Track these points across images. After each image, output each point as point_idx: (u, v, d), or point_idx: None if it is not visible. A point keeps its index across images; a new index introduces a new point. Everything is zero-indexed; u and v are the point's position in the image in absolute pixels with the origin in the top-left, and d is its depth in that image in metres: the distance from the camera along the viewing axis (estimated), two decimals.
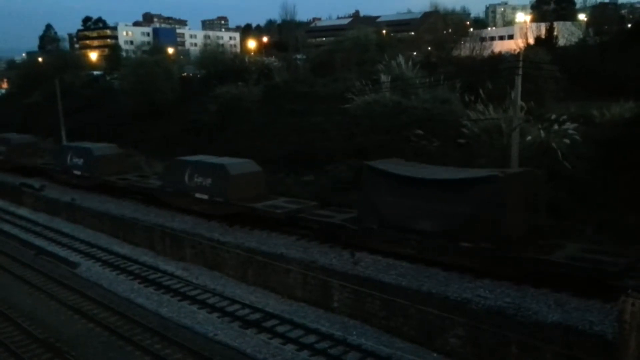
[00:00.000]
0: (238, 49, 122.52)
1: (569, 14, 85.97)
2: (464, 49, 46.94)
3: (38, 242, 30.65)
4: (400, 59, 37.71)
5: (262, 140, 36.57)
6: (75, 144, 40.83)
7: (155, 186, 31.55)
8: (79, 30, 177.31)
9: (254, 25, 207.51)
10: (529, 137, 23.76)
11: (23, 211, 37.98)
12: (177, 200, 29.60)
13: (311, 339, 18.32)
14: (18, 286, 23.61)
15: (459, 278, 18.88)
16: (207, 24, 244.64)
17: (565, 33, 49.42)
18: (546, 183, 21.14)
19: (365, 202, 21.78)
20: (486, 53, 45.68)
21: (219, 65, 56.04)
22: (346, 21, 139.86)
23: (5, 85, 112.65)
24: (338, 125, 33.81)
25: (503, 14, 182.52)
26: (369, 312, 19.19)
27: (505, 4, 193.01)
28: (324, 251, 22.40)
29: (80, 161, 37.31)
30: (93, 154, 36.38)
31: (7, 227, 33.94)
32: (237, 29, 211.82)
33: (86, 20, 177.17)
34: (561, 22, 57.80)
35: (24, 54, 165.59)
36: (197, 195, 28.18)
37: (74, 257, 27.80)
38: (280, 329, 19.07)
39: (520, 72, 21.42)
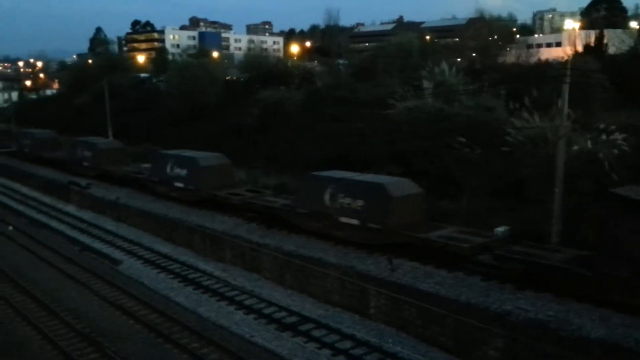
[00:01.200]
0: (281, 54, 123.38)
1: (619, 22, 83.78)
2: (510, 56, 46.22)
3: (83, 238, 31.46)
4: (444, 65, 37.36)
5: (303, 144, 36.72)
6: (176, 152, 35.74)
7: (280, 205, 27.27)
8: (127, 34, 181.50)
9: (297, 30, 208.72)
10: (576, 147, 23.18)
11: (70, 208, 39.05)
12: (313, 223, 25.19)
13: (347, 344, 18.26)
14: (63, 281, 24.26)
15: (499, 289, 18.54)
16: (251, 29, 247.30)
17: (616, 41, 48.09)
18: (591, 195, 20.61)
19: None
20: (532, 60, 44.85)
21: (262, 69, 56.62)
22: (389, 27, 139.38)
23: (56, 86, 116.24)
24: (378, 131, 33.69)
25: (551, 21, 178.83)
26: (406, 320, 19.02)
27: (554, 10, 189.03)
28: (362, 257, 22.33)
29: (183, 172, 32.86)
30: (199, 165, 31.68)
31: (54, 224, 34.95)
32: (280, 33, 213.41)
33: (135, 23, 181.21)
34: (611, 30, 56.34)
35: (74, 56, 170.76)
36: (343, 219, 23.64)
37: (117, 254, 28.44)
38: (316, 333, 19.08)
39: (568, 80, 20.93)
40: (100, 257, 28.02)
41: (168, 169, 33.82)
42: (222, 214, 29.87)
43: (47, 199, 42.02)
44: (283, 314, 20.67)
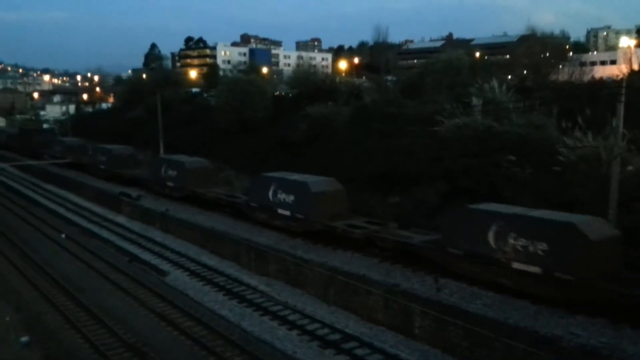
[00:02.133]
0: (329, 70, 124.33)
1: None
2: (562, 74, 45.17)
3: (132, 249, 32.15)
4: (494, 82, 36.80)
5: (349, 160, 36.68)
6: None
7: (419, 241, 23.54)
8: (180, 50, 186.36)
9: (346, 46, 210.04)
10: (630, 167, 22.43)
11: (121, 219, 40.02)
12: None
13: None
14: (112, 290, 24.83)
15: (550, 312, 17.98)
16: (300, 45, 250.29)
17: None
18: None
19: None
20: (586, 78, 43.72)
21: (310, 85, 56.97)
22: (439, 44, 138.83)
23: (111, 100, 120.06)
24: (426, 148, 33.35)
25: (605, 38, 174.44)
26: (451, 342, 18.61)
27: (609, 28, 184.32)
28: (407, 275, 22.06)
29: (289, 198, 30.22)
30: (309, 190, 28.39)
31: (105, 234, 35.88)
32: (329, 50, 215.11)
33: (188, 40, 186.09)
34: None
35: (129, 71, 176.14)
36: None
37: (164, 265, 28.93)
38: (359, 352, 18.86)
39: (623, 98, 20.31)
40: (148, 267, 28.55)
41: (270, 194, 30.10)
42: (269, 230, 30.03)
43: (99, 209, 43.18)
44: (326, 330, 20.55)
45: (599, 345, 15.65)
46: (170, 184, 39.88)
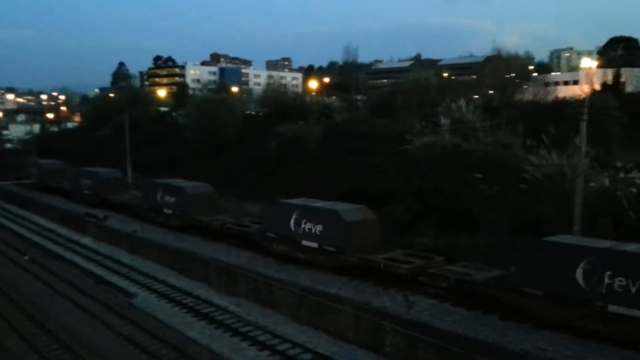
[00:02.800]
0: (300, 89, 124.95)
1: (637, 60, 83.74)
2: (527, 94, 46.26)
3: (98, 271, 31.52)
4: (461, 102, 37.50)
5: (321, 178, 36.79)
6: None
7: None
8: (149, 69, 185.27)
9: (316, 66, 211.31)
10: (594, 185, 22.99)
11: (86, 240, 39.26)
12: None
13: None
14: (77, 314, 24.22)
15: (517, 328, 18.19)
16: (271, 65, 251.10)
17: (633, 79, 48.13)
18: (611, 233, 20.30)
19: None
20: (550, 98, 44.86)
21: (280, 104, 57.23)
22: (407, 64, 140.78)
23: (77, 119, 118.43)
24: (396, 166, 33.69)
25: (568, 59, 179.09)
26: (422, 359, 18.65)
27: (571, 49, 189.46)
28: (378, 293, 22.09)
29: (317, 228, 26.95)
30: (343, 219, 25.29)
31: (70, 256, 35.10)
32: (299, 69, 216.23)
33: (157, 59, 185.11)
34: (629, 69, 56.33)
35: (96, 90, 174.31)
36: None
37: (131, 287, 28.41)
38: None
39: (586, 117, 20.88)
40: (115, 290, 28.02)
41: (292, 223, 27.12)
42: (237, 249, 29.80)
43: (64, 231, 42.32)
44: (297, 350, 20.39)
45: (566, 358, 15.86)
46: (167, 211, 36.21)
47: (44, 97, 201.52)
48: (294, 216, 26.96)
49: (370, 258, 23.79)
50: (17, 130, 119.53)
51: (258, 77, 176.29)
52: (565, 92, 55.46)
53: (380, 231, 25.80)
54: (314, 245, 26.00)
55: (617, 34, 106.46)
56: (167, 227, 35.77)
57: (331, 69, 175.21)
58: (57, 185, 52.89)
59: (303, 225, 26.52)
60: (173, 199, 35.77)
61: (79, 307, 24.96)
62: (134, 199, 41.86)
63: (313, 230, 26.06)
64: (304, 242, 26.47)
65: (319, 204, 27.35)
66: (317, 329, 22.35)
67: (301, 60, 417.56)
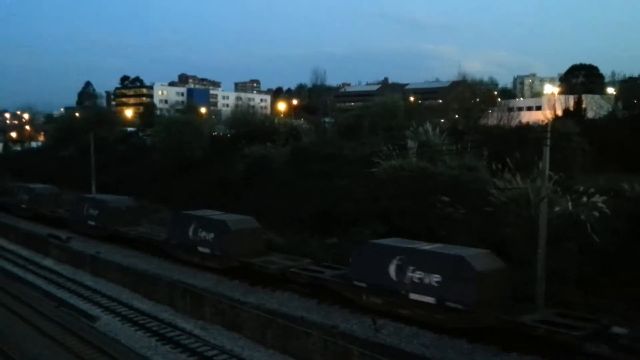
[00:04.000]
0: (268, 111, 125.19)
1: (597, 88, 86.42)
2: (492, 118, 47.18)
3: (60, 293, 30.72)
4: (428, 125, 38.00)
5: (288, 200, 36.73)
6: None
7: None
8: (116, 88, 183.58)
9: (285, 88, 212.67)
10: (557, 208, 23.44)
11: (48, 262, 38.28)
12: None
13: None
14: (37, 338, 23.49)
15: (483, 350, 18.31)
16: (239, 86, 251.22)
17: (594, 106, 49.52)
18: (576, 256, 20.70)
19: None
20: (514, 123, 45.83)
21: (249, 126, 57.16)
22: (375, 87, 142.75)
23: (42, 138, 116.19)
24: (364, 189, 33.86)
25: (531, 85, 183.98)
26: None
27: (534, 75, 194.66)
28: (345, 317, 22.02)
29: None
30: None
31: (30, 278, 34.19)
32: (268, 91, 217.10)
33: (124, 78, 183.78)
34: (590, 95, 58.03)
35: (62, 109, 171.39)
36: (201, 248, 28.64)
37: (94, 310, 27.74)
38: None
39: (549, 142, 21.36)
40: (77, 313, 27.29)
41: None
42: (203, 271, 29.42)
43: (24, 252, 41.21)
44: None
45: None
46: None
47: (7, 115, 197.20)
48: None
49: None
50: None
51: (226, 99, 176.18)
52: (529, 117, 56.83)
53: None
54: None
55: (578, 61, 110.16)
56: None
57: (300, 91, 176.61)
58: (51, 213, 46.69)
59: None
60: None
61: (39, 330, 24.22)
62: (153, 232, 36.43)
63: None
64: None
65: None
66: (284, 352, 22.10)
67: (270, 82, 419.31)
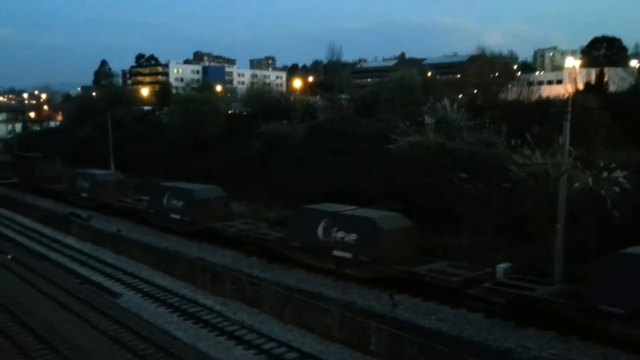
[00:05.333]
0: (284, 88, 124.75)
1: (620, 60, 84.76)
2: (511, 93, 46.56)
3: (83, 271, 31.29)
4: (445, 101, 37.66)
5: (304, 178, 36.76)
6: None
7: None
8: (132, 67, 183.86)
9: (300, 65, 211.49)
10: (577, 184, 23.21)
11: (70, 240, 38.92)
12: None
13: None
14: (62, 314, 24.04)
15: (502, 326, 18.35)
16: (255, 64, 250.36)
17: (616, 79, 48.59)
18: (595, 232, 20.55)
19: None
20: (534, 97, 45.19)
21: (264, 103, 57.10)
22: (391, 63, 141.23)
23: (60, 118, 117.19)
24: (380, 166, 33.75)
25: (552, 58, 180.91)
26: (408, 357, 18.75)
27: (554, 48, 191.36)
28: (363, 292, 22.15)
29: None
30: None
31: (54, 256, 34.81)
32: (283, 68, 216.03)
33: (139, 57, 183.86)
34: (612, 68, 56.97)
35: (79, 88, 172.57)
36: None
37: (116, 287, 28.25)
38: None
39: (569, 117, 21.08)
40: (100, 290, 27.82)
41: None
42: (221, 248, 29.73)
43: (47, 231, 41.92)
44: (283, 349, 20.40)
45: (550, 357, 16.03)
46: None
47: (25, 95, 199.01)
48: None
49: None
50: None
51: (242, 76, 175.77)
52: (549, 91, 55.91)
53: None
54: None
55: (601, 33, 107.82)
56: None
57: (315, 67, 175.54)
58: (118, 203, 40.74)
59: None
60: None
61: (64, 307, 24.76)
62: (257, 229, 30.43)
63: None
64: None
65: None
66: (302, 327, 22.40)
67: (285, 59, 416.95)
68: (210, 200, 32.45)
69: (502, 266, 20.81)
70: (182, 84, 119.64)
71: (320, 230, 24.60)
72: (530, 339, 17.29)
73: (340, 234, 23.86)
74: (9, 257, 33.86)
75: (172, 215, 33.60)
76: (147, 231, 34.99)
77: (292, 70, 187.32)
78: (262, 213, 34.82)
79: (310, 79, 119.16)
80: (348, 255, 23.48)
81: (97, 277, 29.98)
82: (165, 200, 34.17)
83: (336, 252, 23.92)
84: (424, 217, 26.45)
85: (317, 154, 39.81)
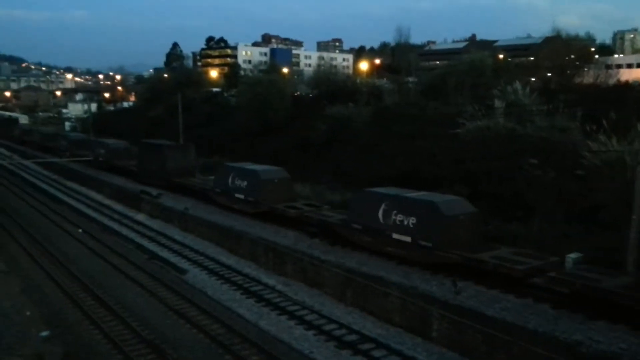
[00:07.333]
0: (350, 71, 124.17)
1: None
2: (587, 76, 44.62)
3: (151, 247, 32.37)
4: (517, 84, 36.46)
5: (369, 161, 36.57)
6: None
7: None
8: (202, 49, 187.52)
9: (367, 47, 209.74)
10: None
11: (140, 217, 40.31)
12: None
13: None
14: (131, 287, 25.00)
15: (569, 318, 17.70)
16: (322, 46, 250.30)
17: None
18: None
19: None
20: (612, 81, 43.13)
21: (330, 86, 57.10)
22: (461, 45, 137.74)
23: (132, 99, 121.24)
24: (447, 150, 33.13)
25: (632, 40, 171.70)
26: (469, 346, 18.43)
27: (635, 30, 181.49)
28: (425, 278, 21.88)
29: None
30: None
31: (125, 231, 36.16)
32: (350, 50, 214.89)
33: (209, 39, 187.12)
34: None
35: (151, 70, 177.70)
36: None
37: (183, 263, 29.08)
38: (376, 353, 18.75)
39: None
40: (167, 265, 28.73)
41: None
42: (285, 228, 30.03)
43: (119, 207, 43.56)
44: (343, 331, 20.47)
45: (620, 351, 15.36)
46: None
47: (100, 76, 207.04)
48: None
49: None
50: (75, 109, 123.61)
51: (309, 58, 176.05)
52: (629, 75, 53.31)
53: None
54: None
55: None
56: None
57: (383, 50, 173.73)
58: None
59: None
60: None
61: (133, 280, 25.73)
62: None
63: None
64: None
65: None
66: (363, 310, 22.38)
67: (352, 41, 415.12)
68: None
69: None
70: (250, 66, 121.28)
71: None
72: (599, 332, 16.59)
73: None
74: (80, 230, 35.56)
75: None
76: (212, 210, 35.78)
77: (359, 53, 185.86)
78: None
79: (377, 61, 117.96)
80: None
81: (165, 253, 30.94)
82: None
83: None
84: (492, 203, 25.82)
85: (382, 137, 39.51)
